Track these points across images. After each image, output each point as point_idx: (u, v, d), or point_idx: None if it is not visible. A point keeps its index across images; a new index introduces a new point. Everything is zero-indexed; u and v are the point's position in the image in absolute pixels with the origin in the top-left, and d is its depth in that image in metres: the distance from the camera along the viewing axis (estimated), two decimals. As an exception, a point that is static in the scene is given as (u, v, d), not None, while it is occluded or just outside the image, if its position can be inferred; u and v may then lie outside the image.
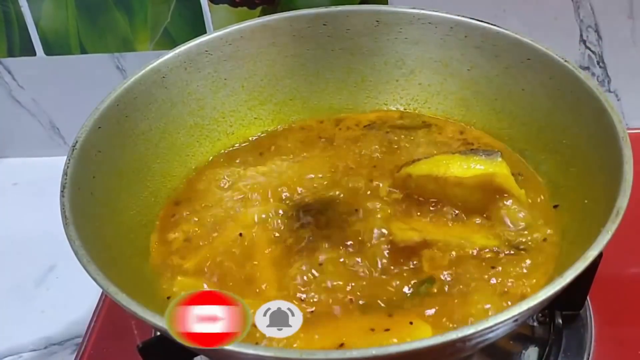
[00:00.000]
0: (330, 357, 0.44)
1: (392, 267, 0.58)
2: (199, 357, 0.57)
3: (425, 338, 0.44)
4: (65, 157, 0.60)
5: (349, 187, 0.66)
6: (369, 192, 0.65)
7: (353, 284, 0.57)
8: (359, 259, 0.59)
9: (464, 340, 0.45)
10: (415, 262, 0.58)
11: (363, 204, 0.64)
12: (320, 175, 0.68)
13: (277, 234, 0.62)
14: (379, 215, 0.62)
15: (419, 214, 0.62)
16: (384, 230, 0.60)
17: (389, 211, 0.63)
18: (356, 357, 0.43)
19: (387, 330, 0.53)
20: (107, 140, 0.64)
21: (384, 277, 0.58)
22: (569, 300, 0.64)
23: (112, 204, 0.63)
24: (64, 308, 0.78)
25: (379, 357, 0.43)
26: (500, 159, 0.62)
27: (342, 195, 0.65)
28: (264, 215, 0.64)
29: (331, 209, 0.64)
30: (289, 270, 0.59)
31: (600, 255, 0.50)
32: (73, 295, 0.78)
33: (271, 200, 0.66)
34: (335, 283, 0.57)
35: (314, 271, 0.58)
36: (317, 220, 0.62)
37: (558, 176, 0.65)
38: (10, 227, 0.89)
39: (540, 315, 0.65)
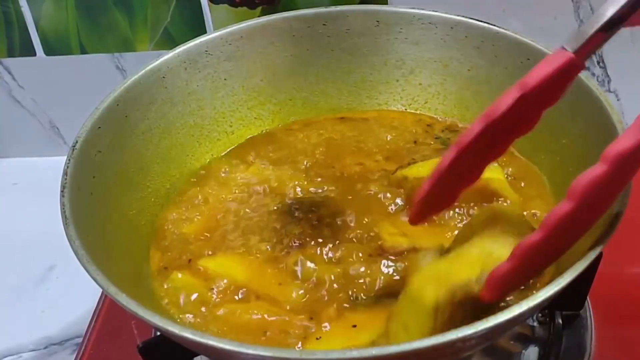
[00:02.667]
0: (330, 357, 0.44)
1: (376, 269, 0.58)
2: (199, 357, 0.57)
3: (425, 338, 0.44)
4: (65, 157, 0.60)
5: (344, 186, 0.66)
6: (364, 192, 0.65)
7: (334, 283, 0.58)
8: (341, 258, 0.59)
9: (464, 340, 0.45)
10: (400, 265, 0.58)
11: (356, 205, 0.64)
12: (317, 173, 0.68)
13: (268, 231, 0.62)
14: (369, 218, 0.62)
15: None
16: (372, 234, 0.61)
17: (381, 213, 0.63)
18: (356, 357, 0.43)
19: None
20: (107, 140, 0.64)
21: (368, 279, 0.58)
22: (569, 300, 0.64)
23: (112, 204, 0.63)
24: (64, 308, 0.78)
25: (379, 357, 0.44)
26: (495, 164, 0.62)
27: (336, 194, 0.65)
28: (257, 212, 0.64)
29: (324, 207, 0.64)
30: (275, 265, 0.59)
31: (600, 255, 0.50)
32: (73, 295, 0.78)
33: (268, 196, 0.66)
34: (315, 280, 0.58)
35: (297, 267, 0.59)
36: (308, 218, 0.63)
37: (558, 176, 0.65)
38: (10, 227, 0.89)
39: (540, 315, 0.65)
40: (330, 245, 0.60)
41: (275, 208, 0.64)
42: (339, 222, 0.62)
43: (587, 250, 0.49)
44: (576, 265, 0.48)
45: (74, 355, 0.70)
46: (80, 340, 0.72)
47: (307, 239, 0.61)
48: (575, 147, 0.63)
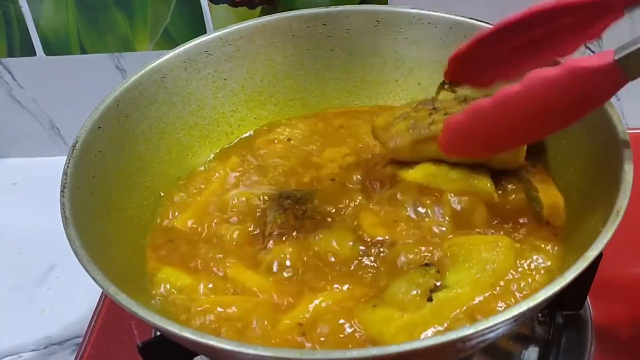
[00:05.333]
0: (330, 357, 0.44)
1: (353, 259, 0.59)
2: (199, 357, 0.57)
3: (425, 338, 0.44)
4: (65, 157, 0.60)
5: (334, 179, 0.67)
6: (351, 183, 0.66)
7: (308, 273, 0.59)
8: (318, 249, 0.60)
9: (464, 340, 0.45)
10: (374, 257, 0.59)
11: (342, 195, 0.64)
12: (311, 166, 0.69)
13: (254, 223, 0.63)
14: (353, 209, 0.63)
15: (398, 212, 0.62)
16: (354, 224, 0.61)
17: (365, 204, 0.63)
18: (356, 357, 0.43)
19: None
20: (107, 140, 0.64)
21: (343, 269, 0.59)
22: (569, 300, 0.64)
23: (112, 204, 0.63)
24: (64, 308, 0.78)
25: (379, 357, 0.44)
26: (482, 176, 0.63)
27: (325, 187, 0.66)
28: (245, 202, 0.65)
29: (312, 200, 0.64)
30: (256, 255, 0.60)
31: (600, 255, 0.50)
32: (73, 295, 0.78)
33: (259, 189, 0.67)
34: (290, 269, 0.59)
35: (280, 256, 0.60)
36: (295, 209, 0.63)
37: (558, 176, 0.65)
38: (10, 227, 0.89)
39: (540, 315, 0.65)
40: (308, 236, 0.61)
41: (265, 198, 0.65)
42: (323, 215, 0.63)
43: (587, 250, 0.49)
44: (576, 265, 0.48)
45: (74, 355, 0.70)
46: (80, 340, 0.72)
47: (288, 230, 0.61)
48: (576, 146, 0.63)
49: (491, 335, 0.48)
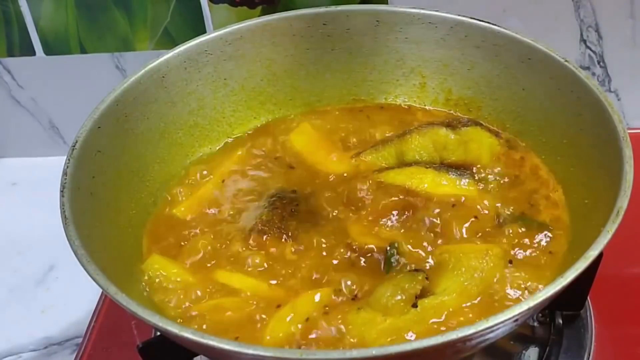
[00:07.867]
0: (330, 357, 0.44)
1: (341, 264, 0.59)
2: (198, 357, 0.57)
3: (425, 338, 0.44)
4: (65, 157, 0.60)
5: (327, 183, 0.67)
6: (344, 190, 0.65)
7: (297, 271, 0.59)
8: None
9: (464, 340, 0.45)
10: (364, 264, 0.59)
11: (333, 202, 0.64)
12: (306, 168, 0.69)
13: (245, 218, 0.63)
14: (343, 216, 0.63)
15: (387, 220, 0.62)
16: (342, 232, 0.61)
17: (357, 213, 0.63)
18: (356, 357, 0.43)
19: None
20: (107, 140, 0.64)
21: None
22: (569, 300, 0.64)
23: (112, 204, 0.63)
24: (64, 308, 0.78)
25: (379, 357, 0.44)
26: (469, 180, 0.63)
27: (320, 190, 0.66)
28: (241, 200, 0.66)
29: (305, 202, 0.64)
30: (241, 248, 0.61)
31: (600, 255, 0.50)
32: (73, 295, 0.78)
33: (257, 187, 0.67)
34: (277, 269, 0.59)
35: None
36: (284, 210, 0.63)
37: (559, 176, 0.65)
38: (10, 227, 0.89)
39: (540, 315, 0.65)
40: (291, 239, 0.61)
41: (256, 196, 0.65)
42: (315, 219, 0.63)
43: (587, 250, 0.49)
44: (576, 265, 0.48)
45: (74, 355, 0.70)
46: (80, 340, 0.72)
47: (271, 228, 0.61)
48: (576, 147, 0.63)
49: (491, 335, 0.48)
